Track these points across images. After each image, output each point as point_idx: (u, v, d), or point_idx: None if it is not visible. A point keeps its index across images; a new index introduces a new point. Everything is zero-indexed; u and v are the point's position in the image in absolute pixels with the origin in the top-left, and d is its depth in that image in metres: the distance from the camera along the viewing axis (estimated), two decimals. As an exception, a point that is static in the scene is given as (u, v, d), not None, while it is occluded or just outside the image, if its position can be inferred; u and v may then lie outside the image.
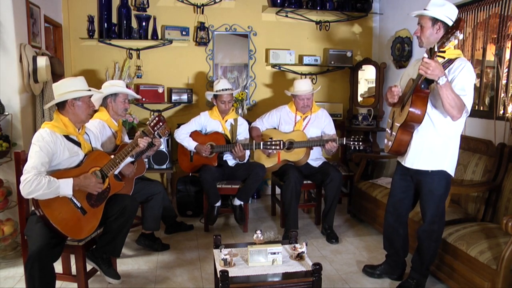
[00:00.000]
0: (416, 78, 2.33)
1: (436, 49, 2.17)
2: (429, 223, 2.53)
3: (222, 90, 3.65)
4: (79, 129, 2.50)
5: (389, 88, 2.55)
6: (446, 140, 2.43)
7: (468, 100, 2.30)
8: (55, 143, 2.33)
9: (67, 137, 2.42)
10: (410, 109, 2.31)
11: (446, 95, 2.21)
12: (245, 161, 3.80)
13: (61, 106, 2.43)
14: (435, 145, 2.43)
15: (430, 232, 2.54)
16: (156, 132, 2.77)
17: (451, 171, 2.49)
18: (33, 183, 2.15)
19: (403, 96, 2.51)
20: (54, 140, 2.32)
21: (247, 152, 3.80)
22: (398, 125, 2.45)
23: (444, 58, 2.32)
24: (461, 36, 2.12)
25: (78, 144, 2.46)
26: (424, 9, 2.38)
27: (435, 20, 2.35)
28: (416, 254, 2.65)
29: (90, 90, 2.52)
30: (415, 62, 2.67)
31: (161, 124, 2.76)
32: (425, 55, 2.31)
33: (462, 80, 2.30)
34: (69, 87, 2.43)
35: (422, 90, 2.32)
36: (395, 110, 2.61)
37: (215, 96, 3.72)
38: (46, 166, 2.27)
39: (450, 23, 2.33)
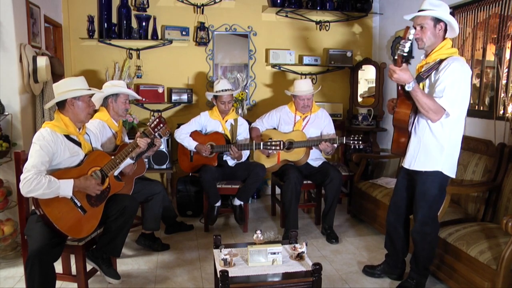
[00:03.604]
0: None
1: (395, 57, 2.33)
2: (420, 224, 2.53)
3: (222, 90, 3.65)
4: (79, 129, 2.50)
5: (389, 101, 2.66)
6: (441, 141, 2.42)
7: (446, 102, 2.28)
8: (56, 142, 2.33)
9: (68, 137, 2.42)
10: (395, 111, 2.43)
11: (417, 100, 2.31)
12: (244, 160, 3.80)
13: (61, 105, 2.43)
14: (429, 146, 2.44)
15: (423, 234, 2.54)
16: (156, 133, 2.78)
17: (449, 172, 2.48)
18: (33, 182, 2.15)
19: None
20: (54, 140, 2.33)
21: (247, 152, 3.81)
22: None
23: (410, 63, 2.43)
24: (407, 44, 2.30)
25: (78, 144, 2.47)
26: (421, 10, 2.38)
27: (437, 20, 2.35)
28: (413, 255, 2.64)
29: (90, 89, 2.53)
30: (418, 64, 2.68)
31: (161, 125, 2.77)
32: (422, 57, 2.46)
33: (443, 81, 2.31)
34: (69, 86, 2.44)
35: (404, 93, 2.40)
36: None
37: (215, 97, 3.72)
38: (46, 166, 2.27)
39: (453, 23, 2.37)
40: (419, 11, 2.39)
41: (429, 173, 2.46)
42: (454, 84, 2.30)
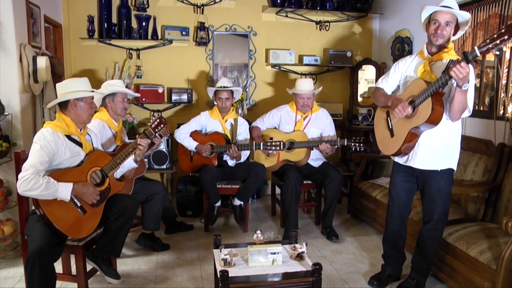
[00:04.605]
0: (439, 80, 2.20)
1: (478, 54, 2.02)
2: (435, 222, 2.51)
3: (221, 87, 3.68)
4: (81, 130, 2.50)
5: (400, 103, 2.37)
6: (454, 138, 2.46)
7: (471, 102, 2.34)
8: (57, 142, 2.33)
9: (69, 137, 2.43)
10: (433, 112, 2.24)
11: (460, 100, 2.23)
12: (243, 160, 3.80)
13: (63, 106, 2.44)
14: (448, 144, 2.44)
15: (435, 231, 2.53)
16: (157, 134, 2.79)
17: (456, 167, 2.52)
18: (30, 182, 2.15)
19: (407, 97, 2.40)
20: (55, 140, 2.33)
21: (246, 153, 3.81)
22: (409, 127, 2.37)
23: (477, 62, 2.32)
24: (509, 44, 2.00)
25: (79, 144, 2.47)
26: (446, 6, 2.32)
27: (456, 21, 2.34)
28: (418, 254, 2.63)
29: (93, 91, 2.54)
30: (409, 60, 2.59)
31: (162, 126, 2.78)
32: (425, 52, 2.36)
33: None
34: (72, 87, 2.45)
35: (441, 93, 2.27)
36: (391, 112, 2.53)
37: (215, 94, 3.74)
38: (46, 166, 2.27)
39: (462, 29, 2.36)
40: (442, 6, 2.32)
41: (444, 171, 2.46)
42: (473, 85, 2.35)
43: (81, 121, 2.47)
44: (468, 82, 2.14)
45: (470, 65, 2.32)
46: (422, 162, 2.48)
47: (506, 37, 1.91)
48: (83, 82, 2.51)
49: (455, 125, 2.43)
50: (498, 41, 1.94)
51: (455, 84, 2.19)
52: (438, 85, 2.21)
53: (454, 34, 2.40)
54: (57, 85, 2.50)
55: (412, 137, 2.42)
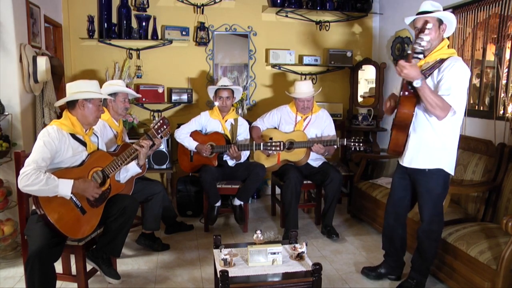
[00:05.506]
0: (402, 79, 2.40)
1: (409, 51, 2.30)
2: (427, 223, 2.53)
3: (222, 86, 3.69)
4: (86, 130, 2.51)
5: (386, 100, 2.64)
6: (443, 138, 2.44)
7: (453, 100, 2.30)
8: (60, 140, 2.35)
9: (74, 136, 2.44)
10: (398, 109, 2.39)
11: (424, 97, 2.28)
12: (243, 160, 3.80)
13: (71, 105, 2.46)
14: (432, 144, 2.44)
15: (429, 232, 2.54)
16: (159, 135, 2.80)
17: (450, 170, 2.49)
18: (31, 177, 2.16)
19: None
20: (59, 138, 2.34)
21: (246, 153, 3.81)
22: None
23: (419, 59, 2.37)
24: (427, 38, 2.28)
25: (83, 143, 2.48)
26: (422, 12, 2.39)
27: (440, 21, 2.38)
28: (416, 254, 2.64)
29: (101, 94, 2.56)
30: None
31: (165, 127, 2.79)
32: (420, 56, 2.43)
33: (449, 80, 2.31)
34: (82, 88, 2.47)
35: (408, 90, 2.37)
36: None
37: (215, 93, 3.75)
38: (47, 162, 2.28)
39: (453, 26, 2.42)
40: (419, 12, 2.39)
41: (433, 171, 2.46)
42: (460, 83, 2.33)
43: (87, 122, 2.49)
44: (419, 79, 2.24)
45: (459, 63, 2.35)
46: (408, 160, 2.54)
47: (419, 32, 2.30)
48: (93, 84, 2.54)
49: (446, 126, 2.40)
50: (417, 37, 2.31)
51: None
52: (401, 84, 2.41)
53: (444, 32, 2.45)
54: (67, 84, 2.53)
55: (398, 135, 2.48)
